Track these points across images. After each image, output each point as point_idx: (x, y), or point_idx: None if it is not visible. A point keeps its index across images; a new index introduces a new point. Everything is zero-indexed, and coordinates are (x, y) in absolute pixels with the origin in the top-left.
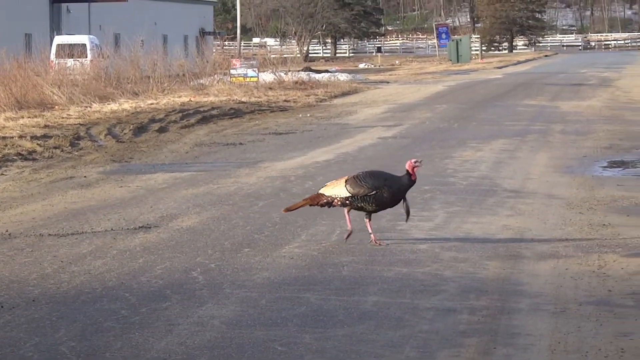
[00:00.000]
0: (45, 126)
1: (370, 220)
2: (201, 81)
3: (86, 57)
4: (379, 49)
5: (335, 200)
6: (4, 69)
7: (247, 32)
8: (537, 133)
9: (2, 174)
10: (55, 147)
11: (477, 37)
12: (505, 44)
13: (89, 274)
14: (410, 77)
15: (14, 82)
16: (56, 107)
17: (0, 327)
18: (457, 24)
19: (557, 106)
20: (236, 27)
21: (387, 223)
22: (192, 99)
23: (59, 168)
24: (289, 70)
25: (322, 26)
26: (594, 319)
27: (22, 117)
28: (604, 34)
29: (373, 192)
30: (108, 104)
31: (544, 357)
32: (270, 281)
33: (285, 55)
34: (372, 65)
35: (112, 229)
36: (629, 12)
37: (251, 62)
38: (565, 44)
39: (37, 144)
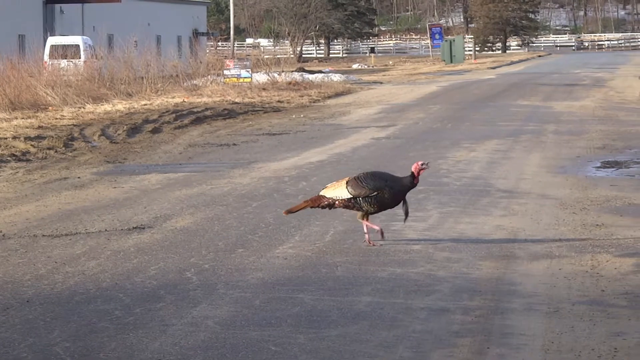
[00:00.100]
0: (39, 127)
1: (367, 220)
2: (195, 82)
3: (80, 57)
4: (372, 50)
5: (337, 202)
6: None
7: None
8: (531, 133)
9: None
10: (49, 148)
11: (471, 38)
12: (499, 44)
13: (83, 274)
14: (403, 78)
15: (7, 83)
16: (50, 108)
17: None
18: (451, 24)
19: (551, 106)
20: (229, 27)
21: (380, 223)
22: (185, 100)
23: (53, 169)
24: (283, 71)
25: (316, 27)
26: (587, 319)
27: (16, 118)
28: (598, 34)
29: (374, 193)
30: (102, 105)
31: (537, 357)
32: (264, 282)
33: (278, 56)
34: (366, 66)
35: (106, 230)
36: (622, 13)
37: (244, 62)
38: (558, 44)
39: (31, 145)
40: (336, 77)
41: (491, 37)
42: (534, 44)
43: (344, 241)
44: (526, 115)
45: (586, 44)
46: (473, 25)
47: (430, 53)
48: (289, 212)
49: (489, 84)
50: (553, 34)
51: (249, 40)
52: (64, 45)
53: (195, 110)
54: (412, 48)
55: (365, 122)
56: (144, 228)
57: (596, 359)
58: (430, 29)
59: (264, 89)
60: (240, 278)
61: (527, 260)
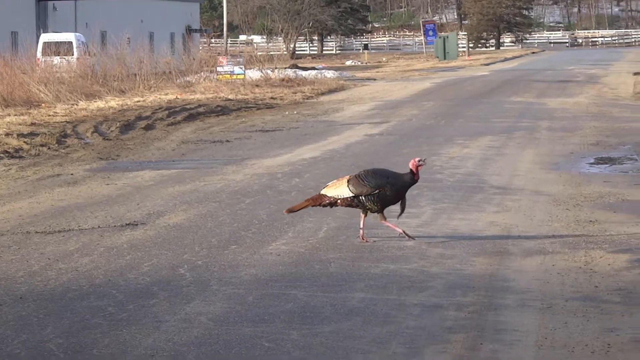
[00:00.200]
0: (32, 124)
1: (366, 216)
2: (188, 78)
3: (72, 54)
4: (365, 46)
5: (339, 201)
6: None
7: (234, 30)
8: (524, 130)
9: None
10: (42, 145)
11: (464, 34)
12: (492, 40)
13: (76, 271)
14: (397, 74)
15: (0, 80)
16: (43, 104)
17: None
18: (444, 21)
19: (544, 103)
20: (223, 24)
21: (374, 220)
22: (178, 97)
23: (46, 166)
24: (276, 68)
25: (309, 23)
26: (580, 315)
27: (9, 115)
28: (591, 31)
29: (376, 191)
30: (95, 102)
31: (530, 352)
32: (257, 278)
33: (272, 53)
34: (359, 63)
35: (99, 227)
36: (616, 9)
37: (238, 59)
38: (552, 41)
39: (24, 142)
40: (329, 74)
41: (485, 34)
42: (528, 41)
43: (337, 237)
44: (520, 112)
45: (580, 41)
46: (467, 21)
47: (424, 50)
48: (290, 211)
49: (482, 80)
50: (547, 31)
51: (242, 37)
52: (56, 42)
53: (188, 107)
54: (406, 45)
55: (359, 118)
56: (137, 225)
57: (589, 355)
58: (423, 25)
59: (257, 85)
60: (234, 274)
61: (521, 257)
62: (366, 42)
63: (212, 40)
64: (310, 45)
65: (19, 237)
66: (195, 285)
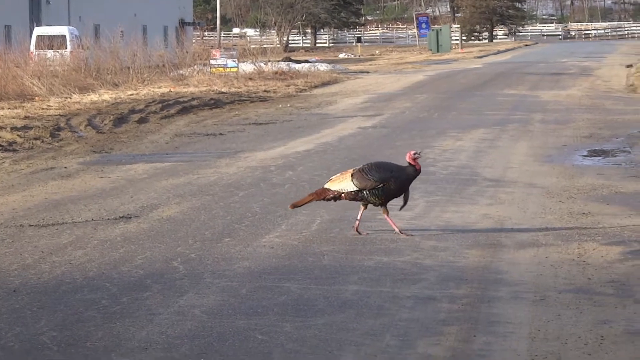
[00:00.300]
0: (26, 117)
1: (365, 208)
2: (181, 72)
3: (66, 48)
4: (358, 39)
5: (343, 195)
6: None
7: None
8: (517, 122)
9: None
10: (35, 138)
11: (457, 27)
12: (486, 33)
13: (69, 264)
14: (390, 67)
15: None
16: (36, 98)
17: None
18: (437, 13)
19: (537, 95)
20: (216, 17)
21: (367, 212)
22: (172, 90)
23: (39, 159)
24: (269, 61)
25: (302, 16)
26: (573, 307)
27: (2, 109)
28: (584, 24)
29: (380, 185)
30: (88, 95)
31: (523, 344)
32: (250, 270)
33: (265, 46)
34: (352, 55)
35: (92, 219)
36: (608, 2)
37: (231, 52)
38: (545, 34)
39: (17, 135)
40: (323, 67)
41: (478, 27)
42: (521, 34)
43: (331, 230)
44: (513, 105)
45: (573, 33)
46: (460, 14)
47: (417, 42)
48: (295, 206)
49: (475, 73)
50: (540, 23)
51: (236, 30)
52: (50, 36)
53: (181, 100)
54: (399, 37)
55: (352, 111)
56: (130, 217)
57: (582, 347)
58: (416, 18)
59: (250, 78)
60: (227, 267)
61: (514, 249)
62: (359, 35)
63: (206, 33)
64: (304, 38)
65: (13, 231)
66: (188, 278)
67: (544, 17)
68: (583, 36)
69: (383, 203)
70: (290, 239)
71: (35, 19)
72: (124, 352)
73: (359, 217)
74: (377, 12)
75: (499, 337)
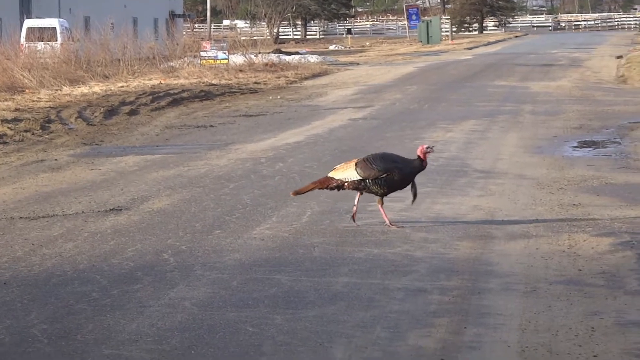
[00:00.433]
0: (16, 109)
1: (361, 194)
2: (171, 64)
3: (56, 40)
4: (349, 31)
5: (346, 184)
6: None
7: (217, 15)
8: (508, 114)
9: None
10: (25, 131)
11: (448, 18)
12: (476, 24)
13: (60, 256)
14: (380, 59)
15: None
16: (27, 90)
17: None
18: (427, 5)
19: (527, 87)
20: (206, 9)
21: (359, 204)
22: (162, 82)
23: (30, 151)
24: (259, 53)
25: (292, 8)
26: (564, 299)
27: None
28: (574, 15)
29: (384, 175)
30: (78, 87)
31: (514, 336)
32: (241, 263)
33: (255, 38)
34: (343, 47)
35: (83, 212)
36: None
37: (221, 44)
38: (535, 25)
39: (8, 128)
40: (313, 59)
41: (468, 18)
42: (511, 25)
43: (321, 222)
44: (503, 96)
45: (563, 24)
46: (450, 5)
47: (407, 34)
48: (297, 193)
49: (465, 64)
50: (530, 15)
51: (226, 22)
52: (40, 28)
53: (172, 92)
54: (389, 29)
55: (342, 103)
56: (121, 210)
57: (573, 339)
58: (406, 9)
59: (240, 70)
60: (218, 259)
61: (504, 240)
62: (349, 27)
63: (196, 25)
64: (294, 30)
65: (3, 223)
66: (179, 270)
67: (534, 8)
68: (573, 27)
69: (385, 194)
70: (281, 231)
71: (26, 11)
72: (114, 345)
73: (355, 203)
74: (367, 3)
75: (489, 329)
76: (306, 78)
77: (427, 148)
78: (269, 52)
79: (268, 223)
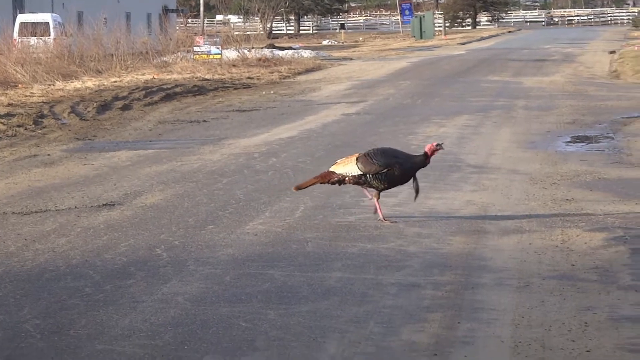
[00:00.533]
0: (9, 104)
1: (378, 198)
2: (164, 59)
3: (49, 35)
4: (342, 26)
5: (347, 179)
6: None
7: (210, 10)
8: (501, 109)
9: None
10: (18, 126)
11: (441, 14)
12: (469, 20)
13: (52, 251)
14: (373, 54)
15: None
16: (19, 85)
17: None
18: (421, 0)
19: (521, 82)
20: (199, 4)
21: (350, 199)
22: (155, 77)
23: (23, 146)
24: (253, 48)
25: (286, 3)
26: (557, 294)
27: None
28: (567, 10)
29: (385, 170)
30: (71, 82)
31: (507, 331)
32: (234, 258)
33: (248, 33)
34: (336, 42)
35: (75, 207)
36: None
37: (214, 39)
38: (528, 20)
39: (1, 123)
40: (306, 54)
41: (461, 13)
42: (504, 20)
43: (314, 217)
44: (496, 91)
45: (556, 20)
46: (443, 1)
47: (400, 29)
48: (299, 188)
49: (459, 59)
50: (523, 10)
51: (219, 17)
52: (33, 23)
53: (165, 87)
54: (382, 24)
55: (335, 98)
56: (113, 205)
57: (566, 334)
58: (400, 5)
59: (234, 65)
60: (211, 254)
61: (498, 235)
62: (343, 22)
63: (189, 20)
64: (287, 25)
65: None
66: (172, 265)
67: (527, 3)
68: (566, 22)
69: (386, 189)
70: (274, 226)
71: (19, 6)
72: (107, 340)
73: (370, 197)
74: None
75: (482, 324)
76: (299, 73)
77: (437, 145)
78: (262, 47)
79: (261, 218)
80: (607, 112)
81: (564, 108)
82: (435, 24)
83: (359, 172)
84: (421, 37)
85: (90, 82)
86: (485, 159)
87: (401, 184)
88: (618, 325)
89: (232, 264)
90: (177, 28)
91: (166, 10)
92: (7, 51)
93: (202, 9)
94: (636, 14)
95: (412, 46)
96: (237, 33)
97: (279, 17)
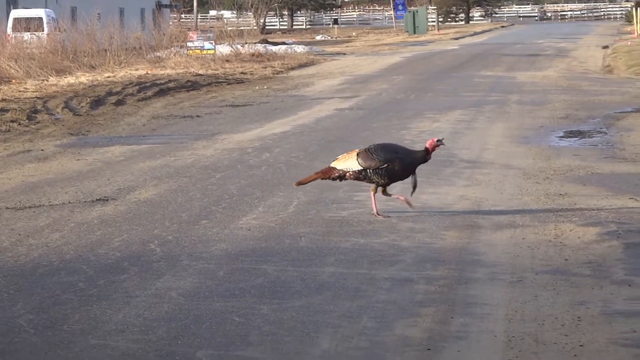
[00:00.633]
0: (2, 100)
1: (375, 192)
2: (158, 54)
3: (43, 30)
4: (335, 21)
5: (348, 174)
6: None
7: (204, 5)
8: (494, 104)
9: None
10: (12, 121)
11: (434, 9)
12: (462, 15)
13: (46, 246)
14: (367, 49)
15: None
16: (13, 80)
17: None
18: None
19: (514, 77)
20: None
21: (342, 194)
22: (149, 72)
23: (16, 141)
24: (246, 43)
25: None
26: (550, 288)
27: None
28: (560, 5)
29: (385, 165)
30: (65, 78)
31: (500, 326)
32: (227, 253)
33: (242, 28)
34: (329, 37)
35: (69, 202)
36: None
37: (208, 34)
38: (521, 15)
39: None
40: (299, 49)
41: (454, 8)
42: (497, 15)
43: (308, 212)
44: (489, 86)
45: (549, 15)
46: None
47: (394, 24)
48: (300, 183)
49: (452, 54)
50: (516, 5)
51: (213, 12)
52: (27, 18)
53: (158, 82)
54: (376, 19)
55: (329, 93)
56: (107, 200)
57: (559, 328)
58: (393, 0)
59: (227, 60)
60: (204, 249)
61: (491, 230)
62: (336, 17)
63: (182, 15)
64: (280, 20)
65: None
66: (165, 260)
67: None
68: (559, 17)
69: (387, 184)
70: (268, 221)
71: (12, 1)
72: (100, 335)
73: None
74: None
75: (476, 319)
76: (293, 68)
77: (438, 141)
78: (255, 43)
79: (254, 213)
80: (600, 107)
81: (557, 103)
82: (429, 19)
83: (360, 168)
84: (414, 32)
85: (83, 78)
86: (479, 154)
87: (402, 179)
88: (611, 320)
89: (226, 259)
90: (171, 23)
91: (160, 6)
92: (0, 46)
93: (195, 4)
94: (629, 9)
95: (405, 41)
96: (230, 28)
97: (272, 13)
